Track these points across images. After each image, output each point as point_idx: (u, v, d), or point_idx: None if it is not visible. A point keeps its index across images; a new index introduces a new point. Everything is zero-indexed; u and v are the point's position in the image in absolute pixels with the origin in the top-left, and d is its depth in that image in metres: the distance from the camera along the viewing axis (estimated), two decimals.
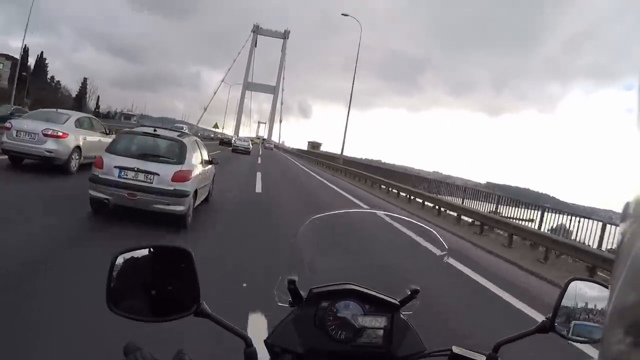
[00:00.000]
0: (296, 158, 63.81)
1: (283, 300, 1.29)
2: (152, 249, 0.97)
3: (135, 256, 0.95)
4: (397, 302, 1.27)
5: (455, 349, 1.12)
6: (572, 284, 1.12)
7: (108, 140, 11.61)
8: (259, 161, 35.07)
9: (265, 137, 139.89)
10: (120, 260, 0.95)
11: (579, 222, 11.46)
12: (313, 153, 71.89)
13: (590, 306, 1.11)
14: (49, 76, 76.94)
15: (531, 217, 13.67)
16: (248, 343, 0.99)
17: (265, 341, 1.21)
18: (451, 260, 6.37)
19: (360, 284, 1.28)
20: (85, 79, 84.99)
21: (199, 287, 0.97)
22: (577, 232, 11.38)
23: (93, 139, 12.69)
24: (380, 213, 1.55)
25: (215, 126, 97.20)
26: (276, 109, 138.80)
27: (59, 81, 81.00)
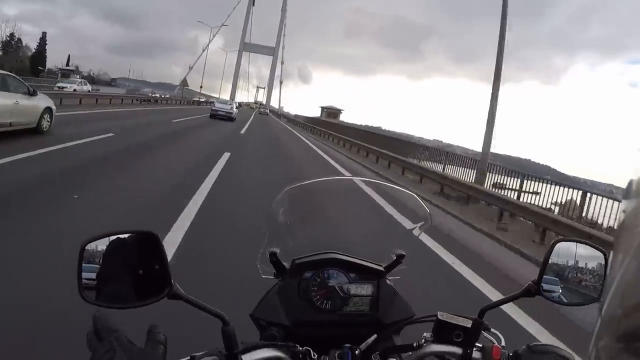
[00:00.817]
0: (302, 132, 43.65)
1: (267, 272, 1.28)
2: (117, 235, 0.95)
3: (102, 243, 0.94)
4: (382, 268, 1.27)
5: (441, 315, 1.10)
6: (558, 245, 1.09)
7: (29, 103, 11.25)
8: (243, 131, 27.21)
9: (264, 102, 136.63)
10: (88, 248, 0.93)
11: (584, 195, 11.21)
12: (331, 126, 42.44)
13: (576, 267, 1.09)
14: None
15: (537, 190, 13.51)
16: (225, 322, 0.97)
17: (250, 315, 1.21)
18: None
19: (343, 252, 1.26)
20: (44, 34, 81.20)
21: (169, 269, 0.95)
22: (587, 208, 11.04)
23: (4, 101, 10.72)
24: (358, 179, 1.51)
25: (201, 88, 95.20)
26: (275, 72, 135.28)
27: (19, 39, 76.96)
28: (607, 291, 0.42)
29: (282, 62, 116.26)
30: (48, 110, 12.60)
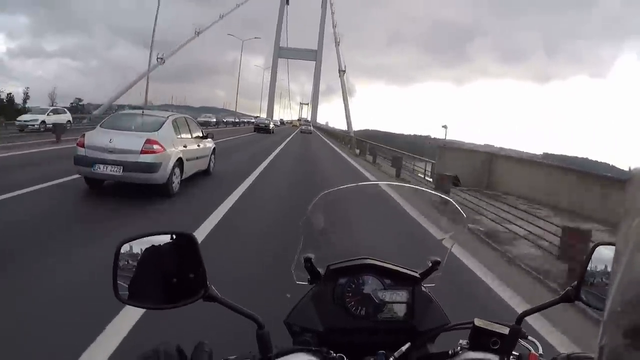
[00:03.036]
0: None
1: (301, 278, 1.30)
2: (155, 236, 0.98)
3: (139, 244, 0.97)
4: (418, 275, 1.26)
5: (478, 322, 1.09)
6: (598, 249, 1.08)
7: (205, 145, 11.48)
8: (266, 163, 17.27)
9: (309, 118, 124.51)
10: (124, 249, 0.96)
11: None
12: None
13: None
14: None
15: None
16: (260, 325, 0.99)
17: (284, 321, 1.22)
18: None
19: (378, 258, 1.27)
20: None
21: (205, 271, 0.97)
22: None
23: None
24: (391, 184, 1.53)
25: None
26: (320, 76, 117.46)
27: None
28: (612, 285, 0.41)
29: (338, 41, 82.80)
30: (214, 150, 12.51)
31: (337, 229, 1.40)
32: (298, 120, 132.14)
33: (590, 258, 1.07)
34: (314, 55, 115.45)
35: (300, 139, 44.56)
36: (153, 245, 0.97)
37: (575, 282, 1.07)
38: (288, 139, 38.35)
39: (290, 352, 1.04)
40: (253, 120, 69.42)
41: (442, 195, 1.42)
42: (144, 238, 0.97)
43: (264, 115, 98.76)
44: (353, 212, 1.50)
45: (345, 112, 74.30)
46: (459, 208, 1.35)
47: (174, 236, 0.98)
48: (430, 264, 1.28)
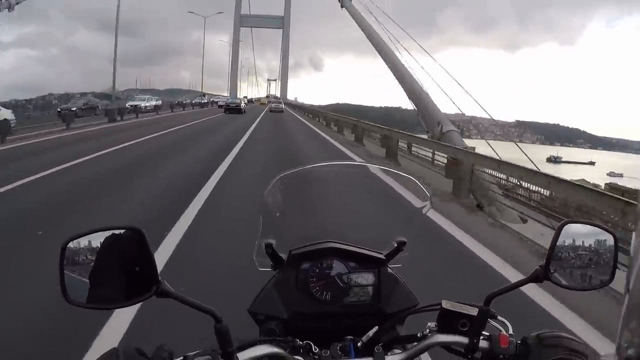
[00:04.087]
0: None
1: (264, 265, 1.28)
2: (102, 231, 0.93)
3: (86, 241, 0.92)
4: (383, 256, 1.25)
5: (445, 304, 1.08)
6: (566, 227, 1.06)
7: None
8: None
9: (278, 94, 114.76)
10: (70, 246, 0.92)
11: None
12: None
13: (585, 250, 1.07)
14: None
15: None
16: (217, 319, 0.96)
17: (248, 310, 1.20)
18: None
19: (341, 241, 1.25)
20: None
21: (156, 265, 0.93)
22: None
23: None
24: (353, 164, 1.50)
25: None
26: (289, 46, 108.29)
27: None
28: (633, 273, 0.42)
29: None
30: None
31: (297, 211, 1.38)
32: (267, 97, 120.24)
33: (558, 237, 1.06)
34: (281, 22, 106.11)
35: (272, 120, 40.19)
36: (101, 242, 0.92)
37: (544, 262, 1.05)
38: (259, 118, 37.70)
39: (252, 345, 1.02)
40: (219, 100, 67.09)
41: (405, 174, 1.40)
42: (91, 234, 0.92)
43: (226, 94, 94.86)
44: (314, 193, 1.48)
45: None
46: (423, 187, 1.33)
47: (122, 231, 0.93)
48: (396, 245, 1.27)
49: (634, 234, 0.45)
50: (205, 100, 75.22)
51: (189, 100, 67.14)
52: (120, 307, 0.95)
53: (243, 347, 1.00)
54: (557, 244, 1.05)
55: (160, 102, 49.46)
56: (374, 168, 1.47)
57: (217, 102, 72.17)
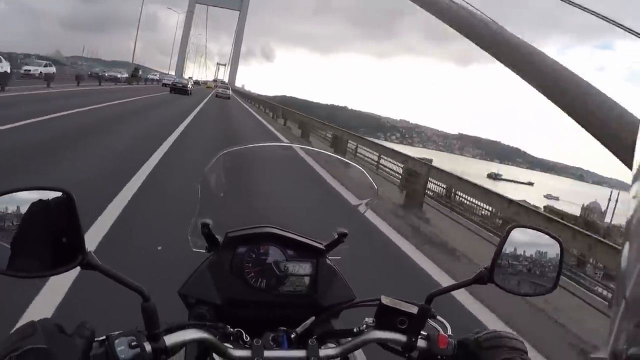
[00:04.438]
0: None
1: (198, 245, 1.23)
2: (23, 191, 0.85)
3: (7, 201, 0.84)
4: (323, 247, 1.22)
5: (385, 299, 1.05)
6: (513, 231, 1.05)
7: None
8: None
9: (227, 80, 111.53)
10: None
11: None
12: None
13: (530, 255, 1.06)
14: None
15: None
16: (145, 297, 0.89)
17: (178, 292, 1.15)
18: None
19: (281, 227, 1.21)
20: None
21: (83, 234, 0.86)
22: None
23: None
24: (300, 147, 1.45)
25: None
26: (244, 31, 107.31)
27: None
28: (625, 279, 0.42)
29: None
30: None
31: (238, 192, 1.33)
32: (214, 81, 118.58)
33: (505, 240, 1.04)
34: (239, 4, 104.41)
35: (217, 106, 38.79)
36: (23, 203, 0.84)
37: (489, 264, 1.04)
38: (203, 103, 36.01)
39: (180, 328, 0.95)
40: (166, 80, 64.79)
41: (352, 163, 1.37)
42: (9, 195, 0.84)
43: (172, 72, 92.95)
44: (257, 175, 1.42)
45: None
46: (370, 179, 1.30)
47: (50, 193, 0.86)
48: (337, 236, 1.24)
49: (627, 243, 0.44)
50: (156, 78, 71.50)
51: (116, 74, 58.05)
52: (42, 276, 0.89)
53: (171, 330, 0.94)
54: (504, 247, 1.04)
55: (53, 70, 38.71)
56: (323, 154, 1.43)
57: (159, 80, 70.63)
